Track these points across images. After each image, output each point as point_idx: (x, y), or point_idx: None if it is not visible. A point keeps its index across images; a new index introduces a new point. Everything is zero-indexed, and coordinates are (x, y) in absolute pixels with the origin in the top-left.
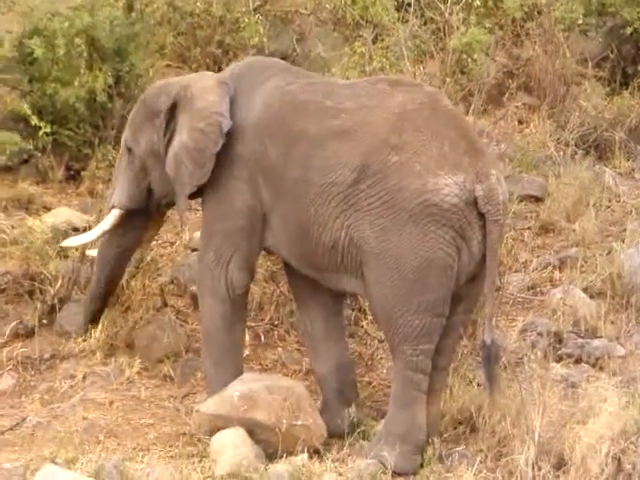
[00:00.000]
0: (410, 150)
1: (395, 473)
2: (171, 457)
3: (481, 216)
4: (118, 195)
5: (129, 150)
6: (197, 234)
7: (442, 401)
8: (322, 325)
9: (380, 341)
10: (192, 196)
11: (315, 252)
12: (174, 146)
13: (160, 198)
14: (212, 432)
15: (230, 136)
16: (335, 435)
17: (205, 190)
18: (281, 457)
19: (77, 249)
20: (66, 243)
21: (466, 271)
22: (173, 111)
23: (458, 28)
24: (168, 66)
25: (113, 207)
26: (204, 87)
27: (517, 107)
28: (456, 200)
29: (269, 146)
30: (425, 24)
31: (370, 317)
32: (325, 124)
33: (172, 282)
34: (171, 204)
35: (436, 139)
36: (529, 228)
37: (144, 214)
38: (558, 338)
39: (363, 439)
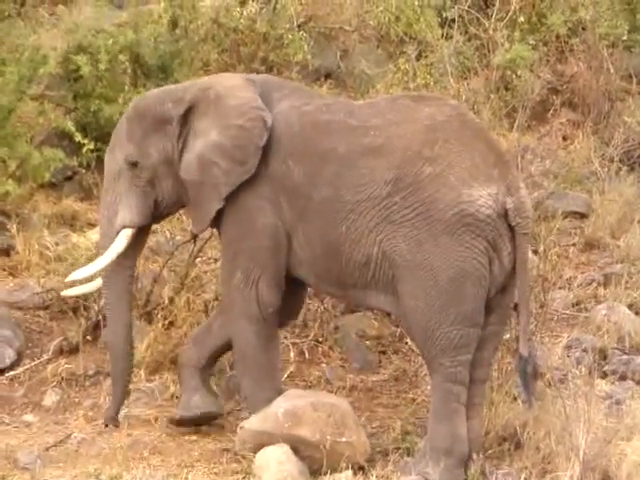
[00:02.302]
0: (444, 162)
1: None
2: (215, 474)
3: (510, 228)
4: (127, 214)
5: (133, 165)
6: None
7: (485, 417)
8: (223, 338)
9: None
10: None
11: (345, 270)
12: (195, 149)
13: (166, 209)
14: (256, 449)
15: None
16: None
17: (221, 211)
18: (325, 474)
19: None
20: (73, 277)
21: (497, 282)
22: (186, 116)
23: (502, 44)
24: None
25: (123, 227)
26: (232, 86)
27: (561, 123)
28: (490, 211)
29: (292, 166)
30: (469, 40)
31: None
32: (354, 142)
33: (216, 298)
34: (171, 214)
35: (467, 151)
36: (574, 244)
37: (142, 231)
38: (603, 355)
39: (407, 455)
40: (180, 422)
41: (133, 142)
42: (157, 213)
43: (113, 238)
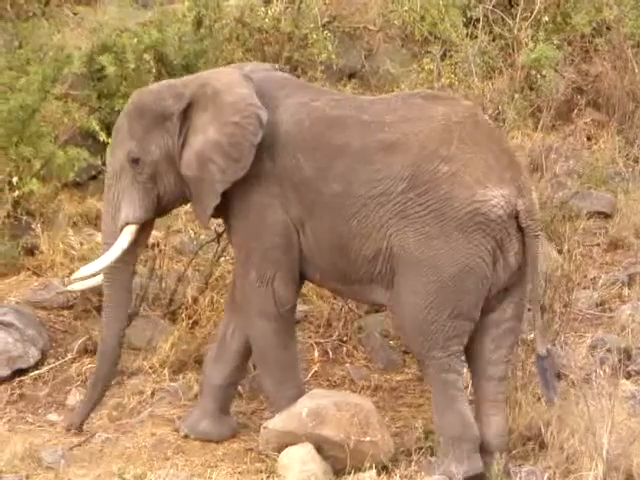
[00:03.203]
0: (459, 161)
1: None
2: (239, 473)
3: (519, 229)
4: (131, 210)
5: (135, 161)
6: None
7: (509, 417)
8: (241, 343)
9: None
10: (213, 216)
11: (352, 265)
12: (194, 146)
13: (168, 204)
14: (280, 448)
15: (256, 152)
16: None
17: (229, 208)
18: (349, 473)
19: (145, 264)
20: (78, 275)
21: (500, 281)
22: (187, 112)
23: (527, 44)
24: None
25: (127, 224)
26: (230, 81)
27: (586, 123)
28: (502, 212)
29: (302, 161)
30: (494, 40)
31: None
32: (369, 138)
33: None
34: (173, 209)
35: (481, 152)
36: (598, 244)
37: (144, 227)
38: (627, 354)
39: (431, 455)
40: (184, 436)
41: (134, 139)
42: (160, 208)
43: (117, 235)
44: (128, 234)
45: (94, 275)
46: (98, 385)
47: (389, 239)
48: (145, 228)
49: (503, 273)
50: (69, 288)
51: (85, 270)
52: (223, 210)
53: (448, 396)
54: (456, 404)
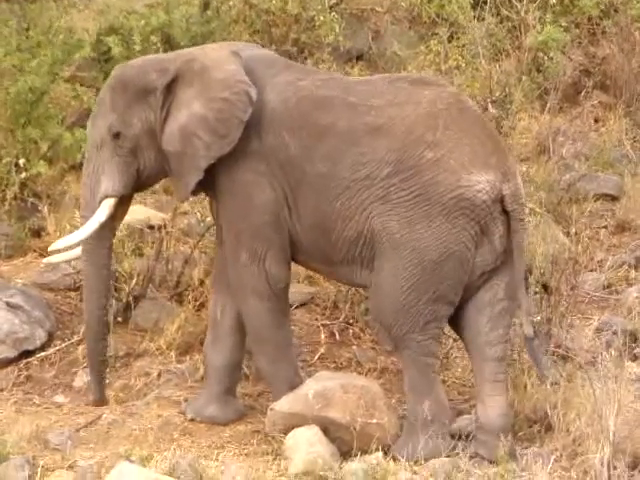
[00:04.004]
0: (444, 147)
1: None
2: (245, 455)
3: (504, 212)
4: (110, 183)
5: (115, 135)
6: None
7: (514, 399)
8: (232, 318)
9: (455, 340)
10: (194, 192)
11: (334, 245)
12: (178, 120)
13: (148, 179)
14: (286, 430)
15: (243, 129)
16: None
17: (216, 187)
18: (355, 455)
19: (152, 246)
20: (54, 246)
21: (485, 263)
22: (171, 87)
23: (534, 26)
24: None
25: (106, 197)
26: (219, 58)
27: (593, 105)
28: (486, 197)
29: (288, 139)
30: (501, 22)
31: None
32: (356, 120)
33: None
34: (153, 185)
35: (466, 138)
36: (605, 227)
37: (121, 201)
38: (633, 337)
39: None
40: (190, 419)
41: (116, 112)
42: (139, 183)
43: (95, 208)
44: (106, 207)
45: (71, 248)
46: (93, 364)
47: (371, 222)
48: (123, 202)
49: (489, 255)
50: (45, 261)
51: (62, 242)
52: (210, 188)
53: (428, 380)
54: (435, 388)
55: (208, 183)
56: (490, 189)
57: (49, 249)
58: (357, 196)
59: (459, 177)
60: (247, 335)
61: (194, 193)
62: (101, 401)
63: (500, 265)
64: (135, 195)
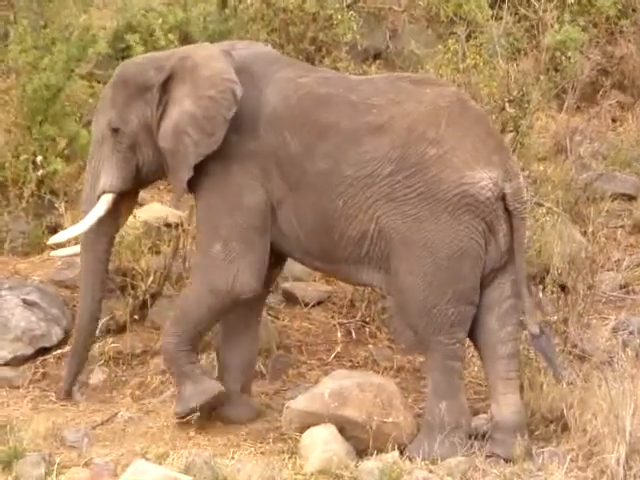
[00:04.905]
0: (447, 144)
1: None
2: (261, 453)
3: (506, 211)
4: (108, 179)
5: (115, 131)
6: None
7: (530, 398)
8: (245, 316)
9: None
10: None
11: (337, 244)
12: (172, 117)
13: (148, 175)
14: (302, 429)
15: (238, 129)
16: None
17: (205, 184)
18: (371, 454)
19: (169, 244)
20: (53, 240)
21: (492, 261)
22: (167, 84)
23: (552, 26)
24: None
25: (104, 192)
26: (208, 55)
27: (611, 105)
28: (489, 194)
29: (289, 138)
30: (519, 21)
31: None
32: (359, 119)
33: None
34: (154, 181)
35: (469, 135)
36: (622, 226)
37: (125, 198)
38: None
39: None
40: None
41: (115, 108)
42: (140, 179)
43: (95, 203)
44: (104, 203)
45: (69, 241)
46: (75, 356)
47: (377, 221)
48: (127, 199)
49: (495, 254)
50: (52, 254)
51: (60, 236)
52: (199, 185)
53: (453, 384)
54: (459, 394)
55: (199, 181)
56: (493, 186)
57: (48, 242)
58: (360, 194)
59: (462, 174)
60: (174, 313)
61: (190, 191)
62: (68, 394)
63: (504, 264)
64: (151, 192)
